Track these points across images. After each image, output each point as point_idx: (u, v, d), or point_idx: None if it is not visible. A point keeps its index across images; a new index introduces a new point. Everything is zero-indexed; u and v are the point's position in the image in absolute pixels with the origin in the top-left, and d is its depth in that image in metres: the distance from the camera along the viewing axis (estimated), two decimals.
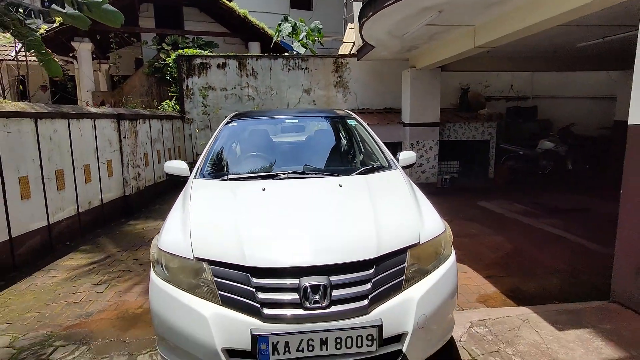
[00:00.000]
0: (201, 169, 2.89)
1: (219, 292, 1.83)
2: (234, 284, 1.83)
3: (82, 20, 5.22)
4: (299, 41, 9.74)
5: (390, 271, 1.92)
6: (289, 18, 10.53)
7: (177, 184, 2.96)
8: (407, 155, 3.20)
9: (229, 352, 1.78)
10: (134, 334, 2.75)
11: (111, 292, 3.43)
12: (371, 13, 4.46)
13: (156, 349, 2.51)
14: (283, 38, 10.56)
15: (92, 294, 3.39)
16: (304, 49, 9.65)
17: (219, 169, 2.99)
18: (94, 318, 2.99)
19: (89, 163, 5.10)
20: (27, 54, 7.87)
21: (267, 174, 2.77)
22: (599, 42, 6.00)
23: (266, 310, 1.77)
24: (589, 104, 9.27)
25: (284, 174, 2.73)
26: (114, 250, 4.48)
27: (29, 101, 6.10)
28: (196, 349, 1.81)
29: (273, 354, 1.73)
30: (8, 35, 11.84)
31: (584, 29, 5.34)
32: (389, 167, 2.97)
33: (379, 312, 1.83)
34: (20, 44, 12.40)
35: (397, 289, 1.91)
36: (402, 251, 1.98)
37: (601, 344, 2.44)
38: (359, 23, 5.30)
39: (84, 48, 10.91)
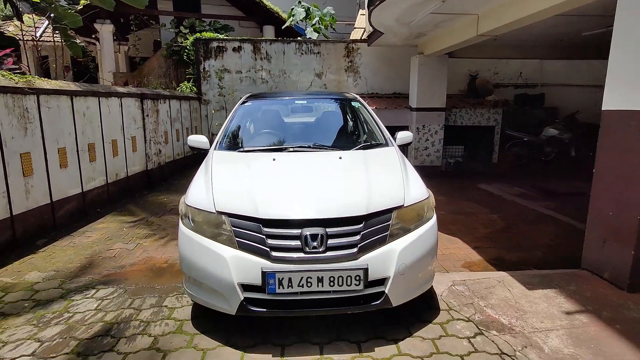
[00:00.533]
0: (220, 142, 3.30)
1: (236, 238, 2.26)
2: (248, 232, 2.25)
3: (107, 2, 5.64)
4: (312, 26, 9.98)
5: (377, 227, 2.31)
6: (303, 2, 10.75)
7: (194, 161, 3.37)
8: (404, 135, 3.55)
9: (244, 286, 2.21)
10: (162, 282, 3.22)
11: (140, 250, 3.91)
12: (378, 2, 4.74)
13: (181, 293, 2.98)
14: (297, 22, 10.79)
15: (124, 251, 3.88)
16: (317, 34, 9.90)
17: (235, 143, 3.40)
18: (127, 270, 3.47)
19: (116, 138, 5.58)
20: (53, 35, 8.33)
21: (278, 147, 3.17)
22: (603, 31, 6.16)
23: (274, 253, 2.19)
24: (596, 92, 9.35)
25: (292, 147, 3.13)
26: (140, 217, 4.97)
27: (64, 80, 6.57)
28: (217, 284, 2.25)
29: (279, 288, 2.16)
30: (33, 16, 12.33)
31: (585, 18, 5.53)
32: (386, 144, 3.33)
33: (366, 259, 2.23)
34: (44, 26, 12.86)
35: (382, 242, 2.30)
36: (388, 211, 2.37)
37: (563, 301, 2.81)
38: (368, 10, 5.57)
39: (105, 30, 11.35)
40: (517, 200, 5.94)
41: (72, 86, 4.58)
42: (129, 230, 4.49)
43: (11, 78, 3.79)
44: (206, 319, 2.63)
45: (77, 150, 4.70)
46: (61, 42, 7.01)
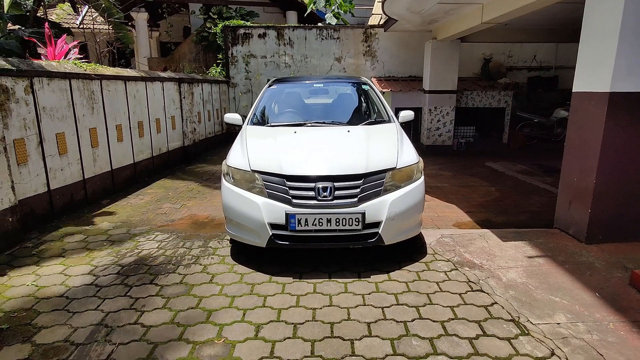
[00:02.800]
0: (251, 119, 4.03)
1: (266, 190, 3.00)
2: (275, 185, 2.98)
3: None
4: (332, 12, 10.48)
5: (373, 183, 3.00)
6: None
7: (223, 140, 4.09)
8: (406, 114, 4.18)
9: (271, 225, 2.95)
10: (205, 231, 4.02)
11: (184, 209, 4.74)
12: None
13: (222, 238, 3.77)
14: (319, 9, 11.29)
15: (172, 209, 4.72)
16: (336, 19, 10.41)
17: (264, 119, 4.13)
18: (176, 222, 4.30)
19: (159, 117, 6.41)
20: (90, 21, 9.21)
21: (298, 123, 3.88)
22: None
23: (294, 200, 2.92)
24: None
25: (309, 123, 3.83)
26: (181, 184, 5.82)
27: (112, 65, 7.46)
28: (252, 223, 3.00)
29: (298, 226, 2.89)
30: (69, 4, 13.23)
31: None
32: (388, 121, 3.98)
33: (364, 207, 2.93)
34: (83, 13, 13.80)
35: (377, 195, 2.99)
36: (383, 171, 3.05)
37: (529, 249, 3.44)
38: (382, 0, 6.10)
39: (141, 17, 12.19)
40: (518, 176, 6.46)
41: (125, 72, 5.40)
42: (173, 194, 5.34)
43: (80, 66, 4.62)
44: (242, 255, 3.41)
45: (130, 127, 5.55)
46: (109, 29, 7.84)
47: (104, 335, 2.34)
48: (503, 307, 2.58)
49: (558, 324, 2.39)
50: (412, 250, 3.49)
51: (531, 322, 2.40)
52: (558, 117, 8.79)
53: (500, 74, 9.34)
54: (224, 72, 10.10)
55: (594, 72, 3.25)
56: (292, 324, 2.44)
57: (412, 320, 2.46)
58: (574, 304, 2.59)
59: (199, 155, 7.97)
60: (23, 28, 6.24)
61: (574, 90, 3.53)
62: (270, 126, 3.89)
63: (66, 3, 13.35)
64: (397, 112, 4.29)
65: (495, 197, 5.28)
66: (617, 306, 2.55)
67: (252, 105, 4.27)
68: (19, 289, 2.87)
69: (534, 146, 8.93)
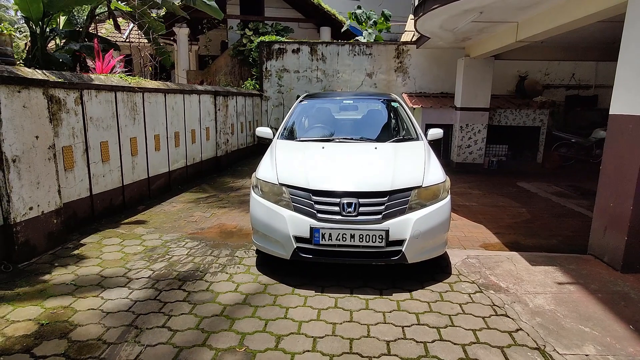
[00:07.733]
0: (282, 133, 4.16)
1: (293, 203, 3.08)
2: (301, 199, 3.06)
3: (216, 11, 6.85)
4: (368, 28, 10.72)
5: (398, 201, 3.02)
6: (362, 7, 11.48)
7: (254, 151, 4.24)
8: (434, 132, 4.18)
9: (296, 238, 3.02)
10: (232, 240, 4.14)
11: (214, 217, 4.90)
12: (421, 13, 5.34)
13: (249, 248, 3.88)
14: (355, 26, 11.50)
15: (202, 217, 4.89)
16: (374, 35, 10.60)
17: (293, 134, 4.24)
18: (206, 231, 4.45)
19: (195, 128, 6.69)
20: (134, 36, 9.76)
21: (327, 138, 3.96)
22: None
23: (319, 215, 2.98)
24: None
25: (338, 139, 3.90)
26: (212, 194, 6.02)
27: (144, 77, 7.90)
28: (278, 235, 3.08)
29: (322, 240, 2.94)
30: (121, 19, 14.12)
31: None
32: (416, 139, 3.99)
33: (388, 224, 2.95)
34: (129, 29, 14.61)
35: (402, 212, 3.00)
36: (409, 190, 3.06)
37: (559, 274, 3.33)
38: (414, 18, 6.16)
39: (182, 33, 12.80)
40: (552, 197, 6.24)
41: (165, 85, 5.70)
42: (204, 203, 5.53)
43: (125, 79, 4.92)
44: (267, 266, 3.50)
45: (167, 137, 5.82)
46: (150, 44, 8.29)
47: (134, 336, 2.46)
48: (528, 334, 2.51)
49: (587, 355, 2.30)
50: (436, 269, 3.46)
51: (557, 352, 2.33)
52: (597, 138, 8.44)
53: (536, 92, 9.12)
54: (257, 86, 10.41)
55: (633, 94, 3.15)
56: (312, 337, 2.48)
57: (432, 342, 2.44)
58: (605, 336, 2.48)
59: (231, 166, 8.21)
60: (75, 43, 6.71)
61: (610, 112, 3.43)
62: (299, 141, 3.99)
63: (111, 20, 14.25)
64: (427, 128, 4.30)
65: (525, 218, 5.13)
66: None
67: (283, 119, 4.44)
68: (59, 287, 3.07)
69: (570, 167, 8.61)
